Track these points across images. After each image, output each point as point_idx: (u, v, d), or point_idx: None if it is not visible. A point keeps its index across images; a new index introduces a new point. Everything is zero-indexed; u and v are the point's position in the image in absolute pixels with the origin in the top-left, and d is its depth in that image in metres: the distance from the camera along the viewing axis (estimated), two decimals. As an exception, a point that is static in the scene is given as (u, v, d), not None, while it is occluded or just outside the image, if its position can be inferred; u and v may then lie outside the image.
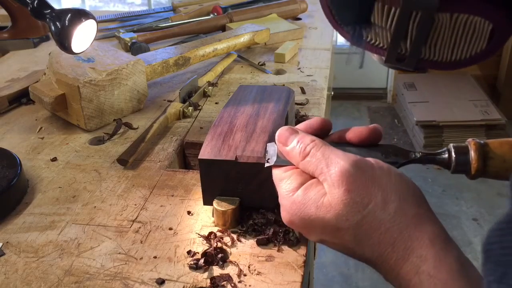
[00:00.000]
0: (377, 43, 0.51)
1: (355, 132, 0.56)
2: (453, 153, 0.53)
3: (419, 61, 0.49)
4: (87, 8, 3.05)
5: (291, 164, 0.53)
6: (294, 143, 0.52)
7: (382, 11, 0.48)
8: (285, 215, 0.52)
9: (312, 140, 0.52)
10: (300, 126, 0.57)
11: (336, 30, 0.53)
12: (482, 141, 0.52)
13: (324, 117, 0.88)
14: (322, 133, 0.57)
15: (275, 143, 0.57)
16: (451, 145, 0.53)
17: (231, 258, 0.56)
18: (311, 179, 0.51)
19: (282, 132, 0.54)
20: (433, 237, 0.45)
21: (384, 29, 0.48)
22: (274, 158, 0.55)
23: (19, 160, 0.70)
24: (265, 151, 0.58)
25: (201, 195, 0.62)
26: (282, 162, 0.54)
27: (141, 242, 0.59)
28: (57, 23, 0.72)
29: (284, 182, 0.52)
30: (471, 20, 0.45)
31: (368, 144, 0.56)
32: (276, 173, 0.54)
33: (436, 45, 0.48)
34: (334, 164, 0.48)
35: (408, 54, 0.49)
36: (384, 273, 0.48)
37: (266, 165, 0.56)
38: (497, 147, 0.51)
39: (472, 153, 0.51)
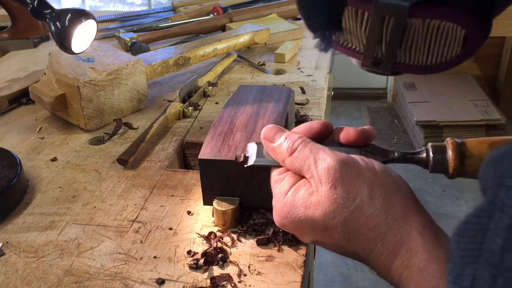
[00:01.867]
0: (353, 47, 0.51)
1: (343, 133, 0.56)
2: (430, 152, 0.53)
3: (395, 65, 0.50)
4: (87, 8, 3.05)
5: (274, 163, 0.54)
6: (282, 139, 0.52)
7: (355, 16, 0.48)
8: (277, 218, 0.52)
9: (300, 136, 0.52)
10: (301, 127, 0.57)
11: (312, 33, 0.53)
12: (460, 140, 0.52)
13: (324, 117, 0.89)
14: (322, 136, 0.57)
15: (256, 142, 0.57)
16: (429, 144, 0.53)
17: (231, 258, 0.56)
18: (301, 179, 0.51)
19: (268, 129, 0.54)
20: (421, 228, 0.46)
21: (358, 33, 0.48)
22: (254, 158, 0.55)
23: (19, 160, 0.70)
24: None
25: (201, 195, 0.62)
26: (263, 161, 0.55)
27: (141, 242, 0.59)
28: (57, 23, 0.72)
29: (278, 184, 0.52)
30: (443, 26, 0.45)
31: (347, 145, 0.56)
32: (273, 175, 0.54)
33: (411, 50, 0.48)
34: (321, 160, 0.49)
35: (383, 58, 0.49)
36: (377, 270, 0.48)
37: (246, 165, 0.56)
38: (475, 146, 0.51)
39: (450, 152, 0.51)
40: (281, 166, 0.54)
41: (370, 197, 0.47)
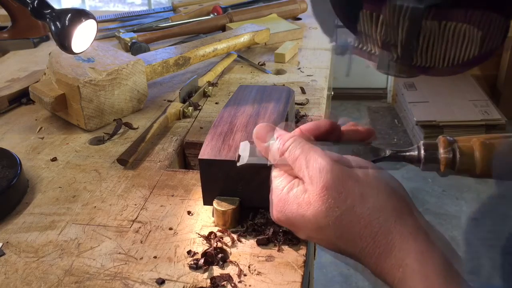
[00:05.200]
0: (369, 49, 0.51)
1: (351, 131, 0.56)
2: (422, 150, 0.53)
3: (411, 68, 0.49)
4: (87, 8, 3.05)
5: (265, 162, 0.54)
6: (273, 139, 0.53)
7: (370, 19, 0.48)
8: (273, 212, 0.53)
9: (291, 136, 0.52)
10: (308, 125, 0.57)
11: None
12: (451, 138, 0.52)
13: (324, 117, 0.89)
14: (330, 136, 0.57)
15: (249, 141, 0.57)
16: (421, 142, 0.54)
17: (231, 258, 0.56)
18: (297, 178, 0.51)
19: (259, 129, 0.55)
20: (414, 230, 0.46)
21: (373, 36, 0.48)
22: (246, 157, 0.56)
23: (19, 160, 0.70)
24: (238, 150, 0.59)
25: (201, 195, 0.62)
26: (255, 160, 0.55)
27: (141, 242, 0.59)
28: (57, 23, 0.72)
29: (277, 179, 0.53)
30: (460, 27, 0.45)
31: (339, 141, 0.56)
32: (273, 172, 0.54)
33: (427, 52, 0.48)
34: (312, 160, 0.49)
35: (399, 60, 0.49)
36: (370, 268, 0.48)
37: (238, 164, 0.56)
38: (466, 144, 0.51)
39: (441, 150, 0.51)
40: (271, 165, 0.54)
41: (361, 196, 0.47)
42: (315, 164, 0.48)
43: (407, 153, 0.54)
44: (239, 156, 0.57)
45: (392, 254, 0.45)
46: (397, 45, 0.48)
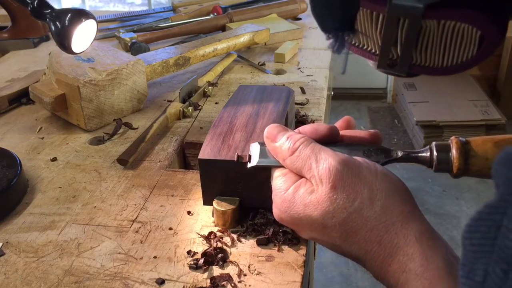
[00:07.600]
0: (369, 48, 0.51)
1: (353, 134, 0.57)
2: (434, 152, 0.52)
3: (410, 67, 0.49)
4: (87, 8, 3.05)
5: (276, 164, 0.54)
6: (283, 139, 0.53)
7: (370, 18, 0.47)
8: (276, 212, 0.53)
9: (302, 136, 0.53)
10: (306, 127, 0.57)
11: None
12: (464, 139, 0.52)
13: (324, 117, 0.89)
14: (328, 140, 0.57)
15: (259, 142, 0.57)
16: (433, 143, 0.53)
17: (231, 258, 0.56)
18: (302, 178, 0.51)
19: (271, 129, 0.55)
20: (419, 235, 0.46)
21: (373, 35, 0.48)
22: (257, 158, 0.56)
23: (19, 160, 0.70)
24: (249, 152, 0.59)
25: (201, 195, 0.62)
26: (266, 162, 0.55)
27: (141, 242, 0.59)
28: (57, 23, 0.72)
29: (279, 179, 0.53)
30: (458, 27, 0.45)
31: (350, 144, 0.56)
32: (274, 172, 0.54)
33: (426, 51, 0.48)
34: (322, 160, 0.49)
35: (399, 59, 0.49)
36: (373, 271, 0.48)
37: (249, 165, 0.56)
38: (479, 145, 0.51)
39: (454, 152, 0.51)
40: (283, 166, 0.54)
41: (370, 199, 0.47)
42: (325, 164, 0.49)
43: (419, 154, 0.54)
44: (249, 157, 0.57)
45: (396, 259, 0.45)
46: (397, 44, 0.48)
